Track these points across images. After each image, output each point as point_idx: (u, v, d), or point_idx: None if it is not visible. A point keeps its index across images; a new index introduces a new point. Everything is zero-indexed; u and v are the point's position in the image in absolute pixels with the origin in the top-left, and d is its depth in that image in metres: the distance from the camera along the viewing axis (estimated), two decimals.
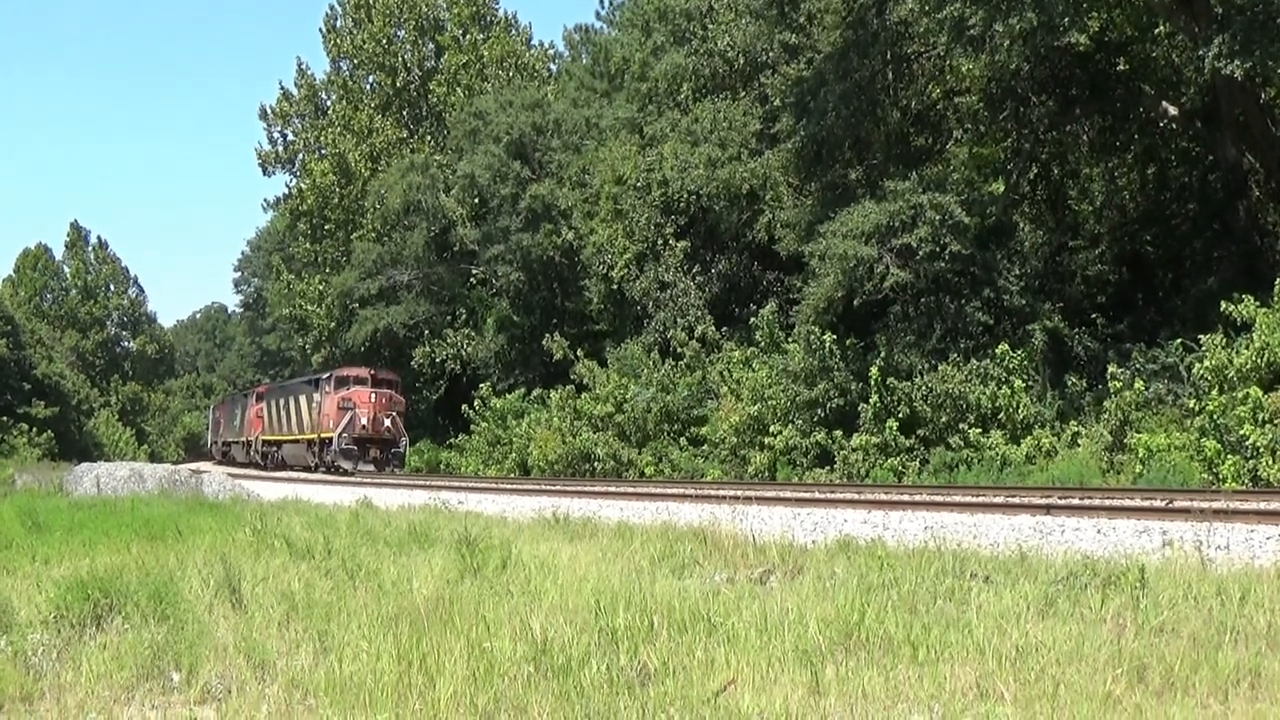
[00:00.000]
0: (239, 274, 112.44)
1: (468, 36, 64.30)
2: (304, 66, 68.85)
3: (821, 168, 31.46)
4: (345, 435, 40.68)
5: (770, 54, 35.93)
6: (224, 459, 62.34)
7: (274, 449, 50.83)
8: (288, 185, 71.27)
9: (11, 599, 8.09)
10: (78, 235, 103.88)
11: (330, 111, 66.40)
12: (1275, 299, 20.29)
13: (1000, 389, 24.37)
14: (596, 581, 8.16)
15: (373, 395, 41.75)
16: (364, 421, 41.02)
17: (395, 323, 54.44)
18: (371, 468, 40.39)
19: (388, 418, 41.82)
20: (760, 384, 29.30)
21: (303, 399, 46.14)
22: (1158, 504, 13.74)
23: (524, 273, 46.72)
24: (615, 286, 38.57)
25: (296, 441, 46.69)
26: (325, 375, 44.30)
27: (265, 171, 70.55)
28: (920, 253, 25.64)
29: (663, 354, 36.24)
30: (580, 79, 53.65)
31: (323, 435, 42.61)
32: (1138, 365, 23.37)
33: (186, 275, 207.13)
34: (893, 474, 24.97)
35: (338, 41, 65.63)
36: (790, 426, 27.75)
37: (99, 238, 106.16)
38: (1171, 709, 4.92)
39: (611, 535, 12.19)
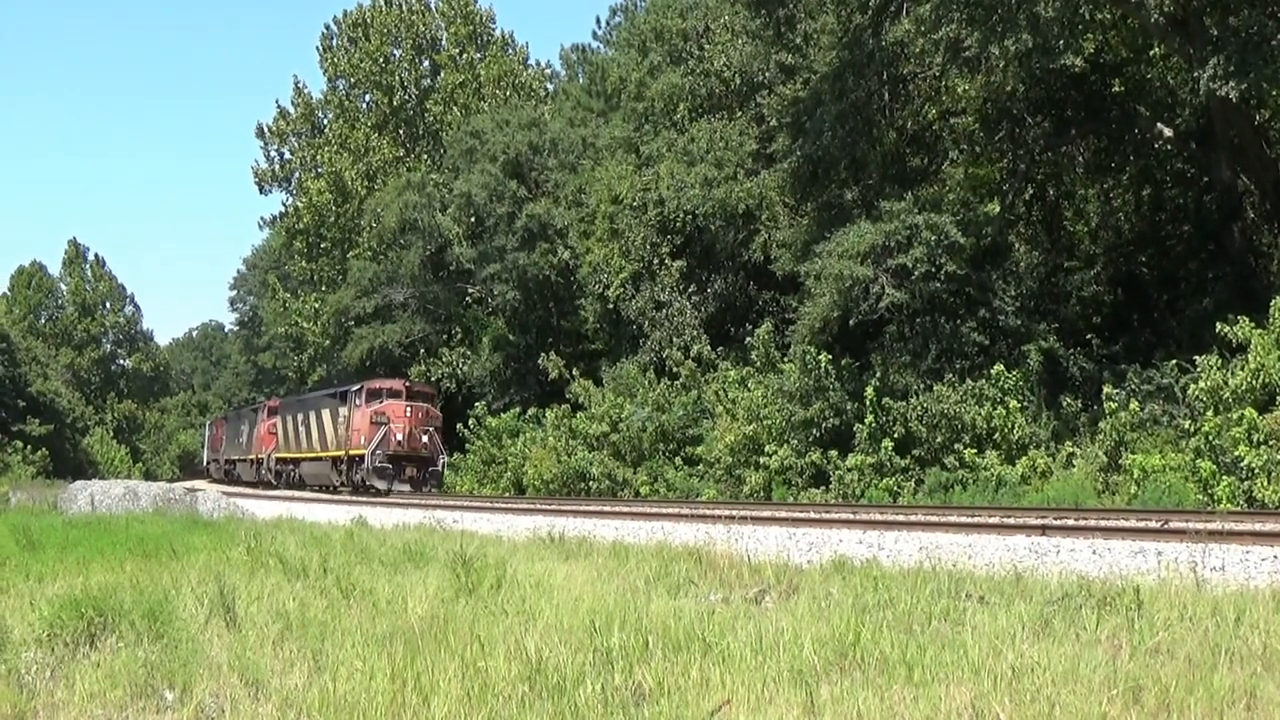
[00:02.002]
0: (234, 292, 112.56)
1: (464, 56, 64.52)
2: (301, 85, 69.07)
3: (817, 188, 31.52)
4: (379, 452, 37.49)
5: (766, 74, 36.07)
6: (227, 478, 60.23)
7: (290, 467, 47.92)
8: (284, 203, 71.50)
9: (5, 617, 8.06)
10: (76, 252, 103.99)
11: (327, 130, 66.57)
12: (1270, 320, 20.32)
13: (995, 409, 24.37)
14: (591, 601, 8.15)
15: (408, 409, 38.41)
16: (399, 437, 37.72)
17: (391, 341, 54.37)
18: (408, 487, 37.34)
19: (424, 433, 38.64)
20: (756, 404, 29.29)
21: (326, 413, 42.88)
22: (1153, 525, 13.73)
23: (520, 292, 46.68)
24: (611, 306, 38.60)
25: (319, 459, 43.59)
26: (355, 387, 40.88)
27: (262, 190, 70.76)
28: (916, 273, 25.68)
29: (658, 373, 36.26)
30: (577, 98, 53.83)
31: (351, 452, 39.29)
32: (1133, 386, 23.38)
33: (182, 293, 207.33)
34: (888, 494, 24.96)
35: (334, 60, 65.80)
36: (785, 446, 27.73)
37: (96, 255, 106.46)
38: None
39: (607, 555, 12.17)
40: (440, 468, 39.78)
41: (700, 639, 6.58)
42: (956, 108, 32.51)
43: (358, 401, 39.39)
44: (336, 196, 62.98)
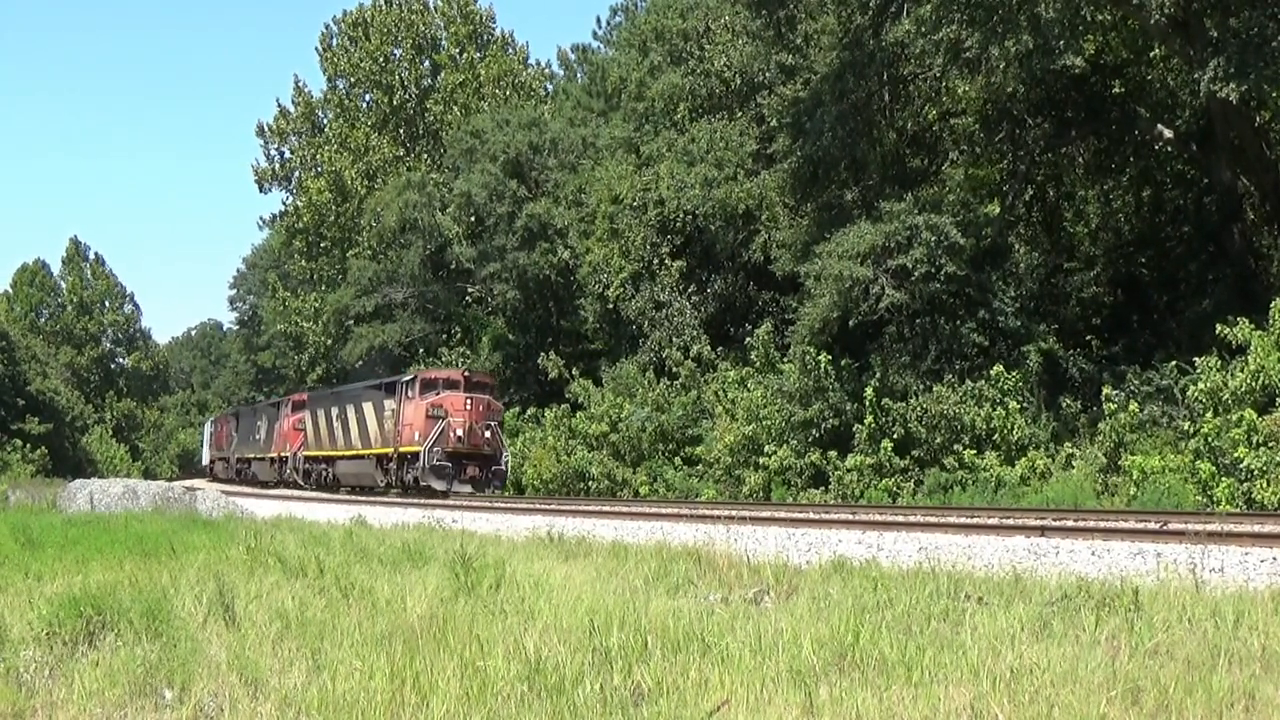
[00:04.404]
0: (234, 291, 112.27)
1: (464, 55, 64.56)
2: (301, 84, 69.15)
3: (817, 188, 31.52)
4: (437, 449, 33.72)
5: (767, 74, 36.07)
6: (239, 477, 57.34)
7: (322, 466, 44.24)
8: (284, 202, 71.61)
9: (4, 615, 8.06)
10: (76, 251, 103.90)
11: (327, 129, 66.60)
12: (1270, 322, 20.33)
13: (995, 410, 24.39)
14: (591, 601, 8.14)
15: (468, 401, 34.48)
16: (459, 432, 33.81)
17: (391, 340, 54.40)
18: (469, 488, 33.66)
19: (486, 428, 34.61)
20: (755, 404, 29.30)
21: (368, 407, 39.12)
22: (1152, 526, 13.72)
23: (520, 291, 46.69)
24: (611, 306, 38.60)
25: (359, 457, 39.76)
26: (406, 378, 37.46)
27: (262, 189, 70.91)
28: (916, 274, 25.69)
29: (658, 373, 36.27)
30: (577, 98, 53.86)
31: (401, 449, 35.71)
32: (1132, 387, 23.41)
33: (182, 293, 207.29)
34: (887, 495, 24.97)
35: (334, 60, 65.84)
36: (785, 447, 27.73)
37: (95, 254, 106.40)
38: None
39: (606, 554, 12.17)
40: (504, 466, 35.77)
41: (699, 639, 6.57)
42: (957, 109, 32.53)
43: (410, 393, 35.87)
44: (336, 196, 63.01)
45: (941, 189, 30.12)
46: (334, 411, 42.76)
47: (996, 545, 12.45)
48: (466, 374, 36.68)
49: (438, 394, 34.89)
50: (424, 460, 33.76)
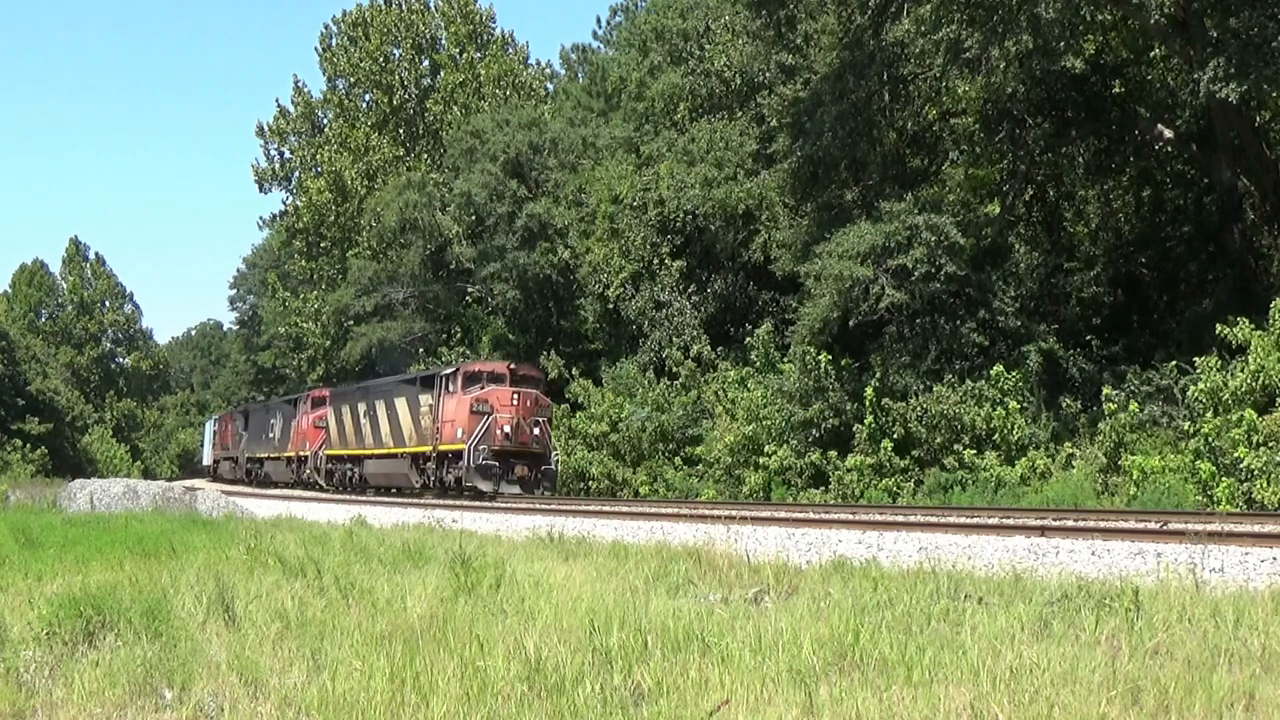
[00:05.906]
0: (234, 291, 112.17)
1: (464, 55, 64.51)
2: (301, 84, 69.14)
3: (817, 188, 31.50)
4: (483, 447, 31.26)
5: (767, 74, 36.06)
6: (249, 478, 55.30)
7: (348, 466, 41.80)
8: (284, 202, 71.64)
9: (4, 615, 8.07)
10: (76, 250, 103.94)
11: (327, 129, 66.59)
12: (1270, 321, 20.33)
13: (995, 410, 24.38)
14: (591, 601, 8.15)
15: (515, 395, 32.07)
16: (506, 429, 31.40)
17: (390, 339, 54.36)
18: (517, 489, 31.28)
19: (535, 425, 32.13)
20: (755, 404, 29.30)
21: (402, 402, 36.82)
22: (1152, 526, 13.72)
23: (520, 291, 46.61)
24: (611, 305, 38.60)
25: (391, 456, 37.40)
26: (446, 371, 34.73)
27: (261, 189, 70.89)
28: (916, 273, 25.67)
29: (658, 373, 36.27)
30: (577, 98, 53.81)
31: (441, 448, 33.25)
32: (1132, 387, 23.39)
33: (182, 292, 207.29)
34: (887, 495, 24.97)
35: (334, 60, 65.84)
36: (785, 447, 27.74)
37: (96, 253, 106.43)
38: None
39: (606, 554, 12.17)
40: (554, 465, 33.43)
41: (699, 639, 6.57)
42: (957, 109, 32.49)
43: (451, 387, 33.36)
44: (336, 196, 62.99)
45: (941, 189, 30.11)
46: (361, 408, 40.48)
47: (996, 545, 12.46)
48: (512, 366, 34.22)
49: (482, 388, 32.65)
50: (468, 459, 31.39)
